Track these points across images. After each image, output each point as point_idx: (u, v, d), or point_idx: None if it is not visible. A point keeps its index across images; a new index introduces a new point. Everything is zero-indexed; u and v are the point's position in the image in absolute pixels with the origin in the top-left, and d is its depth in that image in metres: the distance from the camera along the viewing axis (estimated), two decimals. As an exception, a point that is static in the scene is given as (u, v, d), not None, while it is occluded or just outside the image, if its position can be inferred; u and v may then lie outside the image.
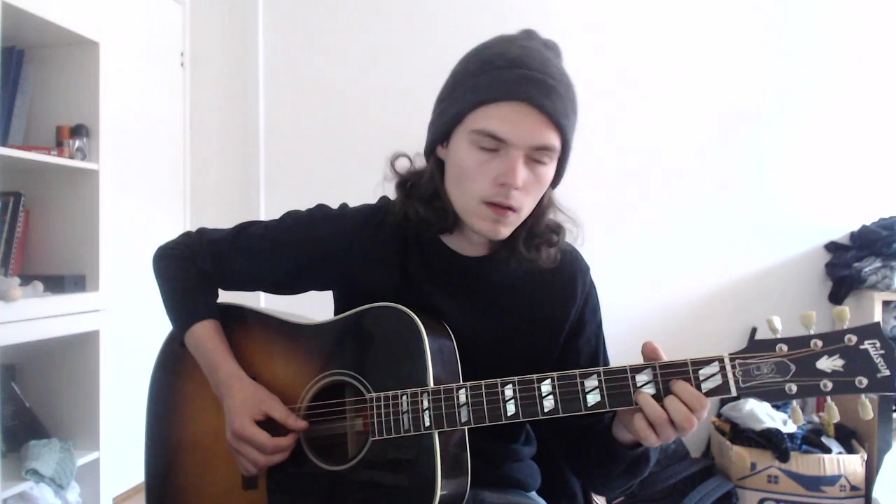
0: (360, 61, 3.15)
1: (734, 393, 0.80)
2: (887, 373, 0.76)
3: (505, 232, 0.94)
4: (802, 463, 2.33)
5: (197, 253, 1.12)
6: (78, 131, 2.03)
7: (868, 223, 2.73)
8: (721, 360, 0.80)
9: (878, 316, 2.50)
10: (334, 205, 1.13)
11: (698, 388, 0.81)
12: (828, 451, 2.36)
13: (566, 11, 3.00)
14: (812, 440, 2.39)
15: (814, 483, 2.32)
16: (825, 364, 0.78)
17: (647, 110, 2.95)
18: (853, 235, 2.77)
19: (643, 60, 2.95)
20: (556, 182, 0.98)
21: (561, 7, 3.00)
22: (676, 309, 2.86)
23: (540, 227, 0.98)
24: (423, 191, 0.99)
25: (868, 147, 2.80)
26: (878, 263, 2.54)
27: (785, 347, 0.79)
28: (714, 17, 2.91)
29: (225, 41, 3.31)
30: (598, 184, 2.98)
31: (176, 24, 3.02)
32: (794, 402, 0.81)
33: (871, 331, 0.77)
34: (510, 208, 0.91)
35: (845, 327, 0.78)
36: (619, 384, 0.83)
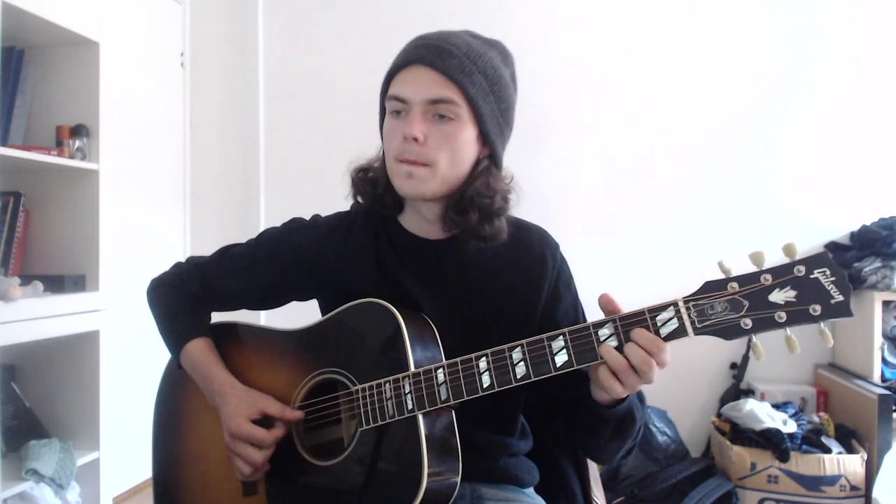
0: (359, 61, 3.15)
1: (691, 333, 0.82)
2: (840, 298, 0.77)
3: (421, 188, 0.98)
4: (802, 463, 2.33)
5: (185, 279, 1.17)
6: (78, 131, 2.03)
7: (868, 223, 2.73)
8: (675, 304, 0.83)
9: (877, 316, 2.50)
10: (329, 208, 1.18)
11: (657, 333, 0.83)
12: (828, 451, 2.36)
13: (565, 11, 3.00)
14: (812, 440, 2.39)
15: (814, 483, 2.32)
16: (778, 296, 0.79)
17: (645, 109, 2.95)
18: (853, 235, 2.77)
19: (644, 58, 2.95)
20: (495, 159, 1.02)
21: (560, 6, 3.00)
22: (676, 309, 2.86)
23: (471, 192, 1.00)
24: (367, 168, 1.08)
25: (868, 147, 2.80)
26: (878, 263, 2.54)
27: (736, 285, 0.81)
28: (715, 16, 2.90)
29: (225, 41, 3.31)
30: (597, 183, 2.98)
31: (176, 24, 3.02)
32: (754, 338, 0.81)
33: (820, 259, 0.79)
34: (419, 163, 0.97)
35: (795, 260, 0.79)
36: (584, 341, 0.86)
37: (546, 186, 2.91)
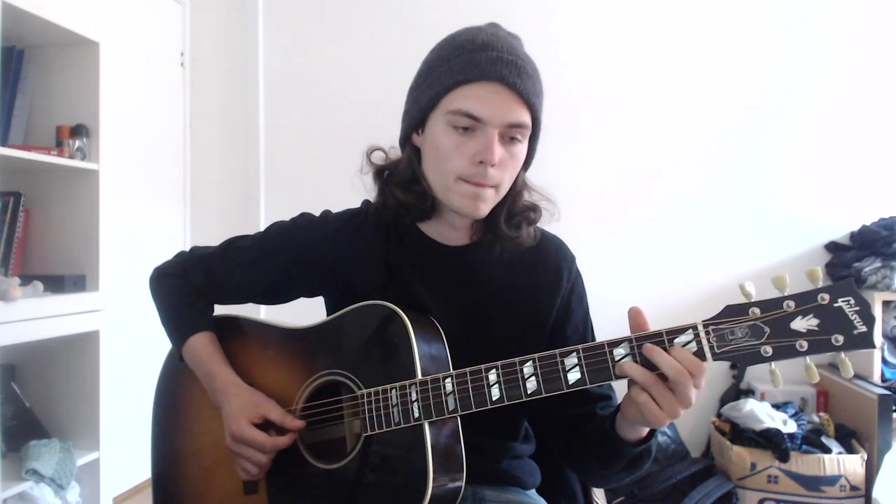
0: (359, 61, 3.15)
1: (710, 359, 0.79)
2: (863, 329, 0.75)
3: (484, 209, 0.97)
4: (802, 463, 2.33)
5: (189, 270, 1.15)
6: (78, 131, 2.03)
7: (868, 223, 2.73)
8: (695, 328, 0.80)
9: (878, 316, 2.50)
10: (329, 207, 1.15)
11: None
12: (828, 451, 2.36)
13: (562, 12, 3.00)
14: (812, 440, 2.39)
15: (814, 483, 2.32)
16: (799, 324, 0.77)
17: (647, 108, 2.95)
18: (853, 235, 2.77)
19: (644, 58, 2.95)
20: (527, 164, 1.02)
21: (557, 7, 3.00)
22: (676, 309, 2.86)
23: (518, 207, 1.02)
24: (400, 177, 1.03)
25: (868, 147, 2.80)
26: (878, 263, 2.55)
27: (758, 311, 0.78)
28: (716, 16, 2.91)
29: (225, 41, 3.31)
30: (597, 182, 2.98)
31: (176, 24, 3.02)
32: (773, 365, 0.79)
33: (844, 288, 0.76)
34: (488, 185, 0.95)
35: (818, 287, 0.77)
36: (598, 359, 0.84)
37: (547, 187, 2.90)
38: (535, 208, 1.04)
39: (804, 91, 2.84)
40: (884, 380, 2.52)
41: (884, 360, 2.53)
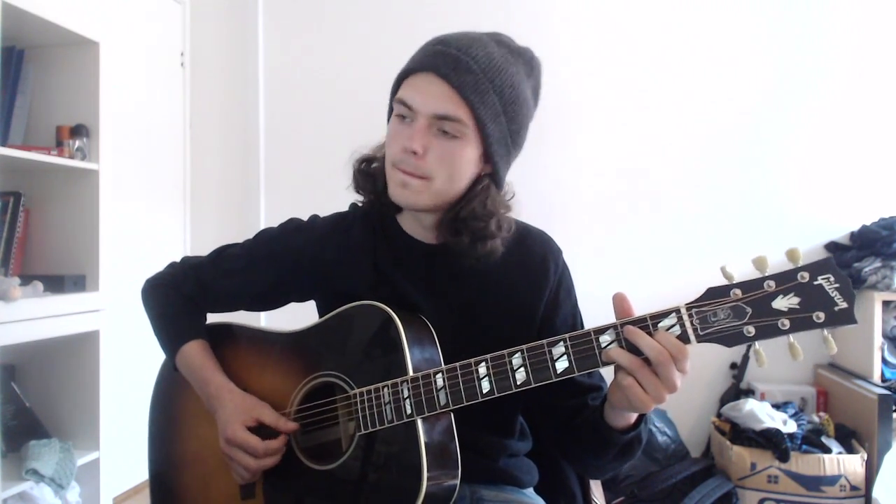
0: (360, 61, 3.15)
1: (694, 341, 0.81)
2: (844, 305, 0.76)
3: (412, 198, 0.97)
4: (802, 463, 2.33)
5: (180, 280, 1.16)
6: (78, 131, 2.03)
7: (868, 223, 2.73)
8: (678, 311, 0.82)
9: (877, 316, 2.49)
10: (329, 208, 1.17)
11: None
12: (828, 451, 2.36)
13: (565, 12, 3.00)
14: (812, 440, 2.39)
15: (814, 483, 2.32)
16: (781, 303, 0.78)
17: (646, 109, 2.95)
18: (853, 235, 2.77)
19: (644, 59, 2.95)
20: (497, 181, 1.00)
21: (559, 7, 3.00)
22: (676, 309, 2.86)
23: (464, 213, 0.98)
24: (371, 159, 1.07)
25: (868, 147, 2.80)
26: (878, 263, 2.54)
27: (739, 292, 0.80)
28: (715, 15, 2.91)
29: (225, 41, 3.31)
30: (598, 182, 2.98)
31: (176, 24, 3.02)
32: (756, 345, 0.80)
33: (824, 266, 0.78)
34: (416, 175, 0.95)
35: (798, 266, 0.78)
36: (585, 347, 0.85)
37: (546, 186, 2.91)
38: (484, 219, 0.97)
39: (804, 91, 2.83)
40: (884, 380, 2.52)
41: (884, 360, 2.53)
